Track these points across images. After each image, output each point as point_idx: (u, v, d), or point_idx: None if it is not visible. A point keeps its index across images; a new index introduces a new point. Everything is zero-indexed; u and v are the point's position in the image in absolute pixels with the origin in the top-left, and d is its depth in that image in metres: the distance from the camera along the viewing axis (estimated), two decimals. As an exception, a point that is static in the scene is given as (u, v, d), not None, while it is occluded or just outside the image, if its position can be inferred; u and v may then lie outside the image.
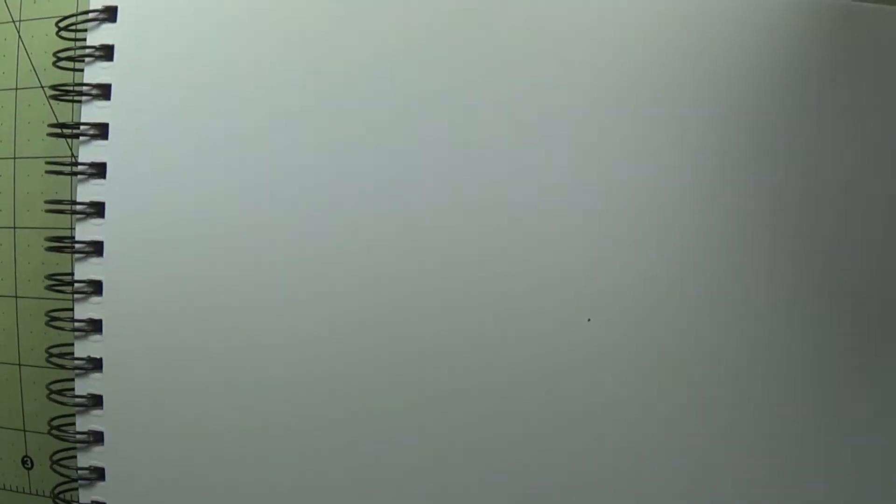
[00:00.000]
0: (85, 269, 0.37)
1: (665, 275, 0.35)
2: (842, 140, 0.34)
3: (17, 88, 0.40)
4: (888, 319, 0.34)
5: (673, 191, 0.34)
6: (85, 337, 0.37)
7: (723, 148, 0.34)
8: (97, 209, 0.37)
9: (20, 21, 0.40)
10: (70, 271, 0.38)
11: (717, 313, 0.35)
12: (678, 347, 0.35)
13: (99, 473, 0.38)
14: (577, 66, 0.35)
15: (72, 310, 0.38)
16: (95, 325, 0.37)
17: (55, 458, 0.38)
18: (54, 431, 0.38)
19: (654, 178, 0.34)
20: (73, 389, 0.38)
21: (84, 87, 0.37)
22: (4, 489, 0.42)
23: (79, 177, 0.37)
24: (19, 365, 0.41)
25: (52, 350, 0.38)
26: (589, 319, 0.34)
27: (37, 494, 0.42)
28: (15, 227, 0.41)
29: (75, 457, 0.38)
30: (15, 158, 0.40)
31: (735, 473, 0.35)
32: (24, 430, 0.42)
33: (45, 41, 0.39)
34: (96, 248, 0.37)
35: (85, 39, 0.37)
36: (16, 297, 0.41)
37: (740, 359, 0.35)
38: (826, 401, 0.35)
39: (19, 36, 0.40)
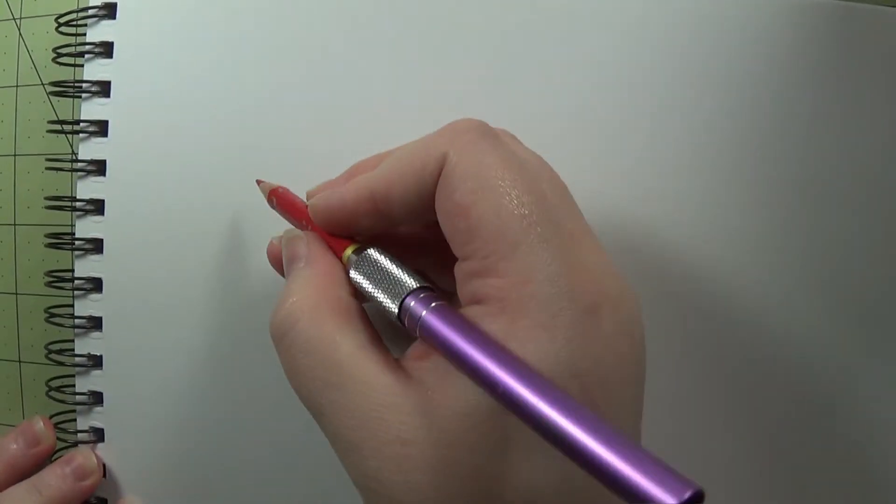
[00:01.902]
0: (85, 266, 0.37)
1: (667, 273, 0.35)
2: (843, 139, 0.34)
3: (17, 86, 0.40)
4: (890, 315, 0.34)
5: (675, 188, 0.34)
6: (85, 334, 0.37)
7: (725, 148, 0.34)
8: (97, 206, 0.37)
9: (20, 18, 0.40)
10: (70, 268, 0.38)
11: (719, 312, 0.35)
12: (678, 346, 0.35)
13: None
14: (581, 69, 0.35)
15: (72, 306, 0.38)
16: (96, 322, 0.37)
17: (56, 455, 0.38)
18: (57, 430, 0.38)
19: (657, 176, 0.34)
20: (73, 386, 0.38)
21: (84, 84, 0.37)
22: (6, 486, 0.42)
23: (79, 173, 0.37)
24: (19, 362, 0.41)
25: (51, 346, 0.38)
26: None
27: (38, 492, 0.42)
28: (15, 224, 0.40)
29: (76, 454, 0.38)
30: (15, 156, 0.40)
31: (733, 472, 0.35)
32: (25, 428, 0.41)
33: (46, 39, 0.39)
34: (96, 245, 0.37)
35: (85, 36, 0.37)
36: (16, 294, 0.41)
37: (741, 358, 0.35)
38: (828, 398, 0.35)
39: (20, 33, 0.40)
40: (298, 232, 0.29)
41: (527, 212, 0.23)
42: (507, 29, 0.35)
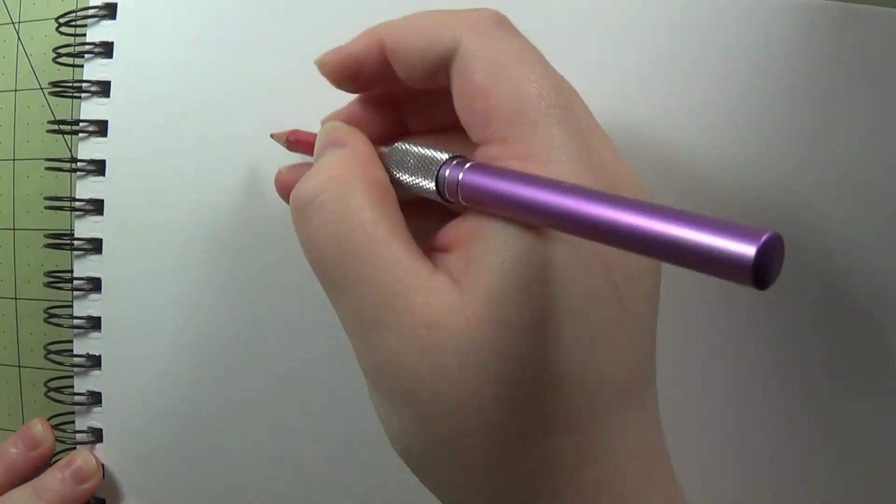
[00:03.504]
0: (84, 266, 0.37)
1: (665, 272, 0.35)
2: (842, 140, 0.34)
3: (16, 90, 0.40)
4: (886, 317, 0.34)
5: (669, 188, 0.34)
6: (84, 334, 0.37)
7: (725, 148, 0.34)
8: (96, 206, 0.37)
9: (19, 22, 0.40)
10: (69, 270, 0.38)
11: (717, 311, 0.35)
12: (676, 345, 0.35)
13: (99, 471, 0.38)
14: (579, 69, 0.35)
15: (71, 306, 0.38)
16: (95, 323, 0.37)
17: (56, 457, 0.38)
18: (56, 430, 0.38)
19: (656, 175, 0.34)
20: (72, 387, 0.38)
21: (84, 84, 0.37)
22: (5, 490, 0.42)
23: (78, 173, 0.37)
24: (19, 367, 0.41)
25: (50, 347, 0.38)
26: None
27: (36, 494, 0.41)
28: (14, 229, 0.40)
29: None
30: (14, 160, 0.40)
31: (730, 471, 0.35)
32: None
33: (45, 42, 0.39)
34: (95, 245, 0.37)
35: (85, 36, 0.37)
36: (15, 298, 0.41)
37: (741, 357, 0.35)
38: (824, 399, 0.35)
39: (18, 38, 0.40)
40: (340, 123, 0.29)
41: (546, 94, 0.23)
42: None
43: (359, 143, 0.27)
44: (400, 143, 0.26)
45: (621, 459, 0.24)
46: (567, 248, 0.22)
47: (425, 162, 0.25)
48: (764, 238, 0.17)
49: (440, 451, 0.23)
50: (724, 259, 0.17)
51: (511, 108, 0.23)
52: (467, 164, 0.23)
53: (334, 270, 0.24)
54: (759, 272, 0.17)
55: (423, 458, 0.24)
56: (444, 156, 0.24)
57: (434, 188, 0.24)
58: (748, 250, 0.17)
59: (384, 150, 0.27)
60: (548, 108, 0.23)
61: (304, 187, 0.25)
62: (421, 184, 0.25)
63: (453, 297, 0.22)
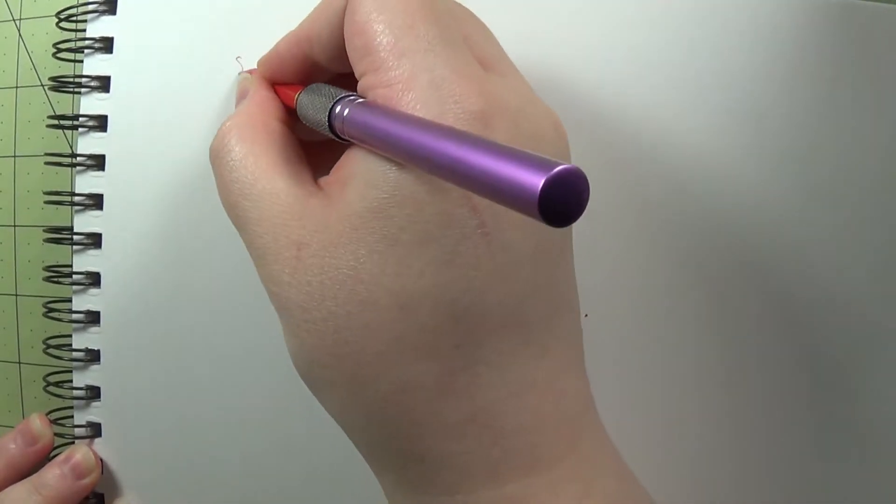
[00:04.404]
0: (83, 261, 0.37)
1: (661, 272, 0.35)
2: (842, 138, 0.34)
3: (17, 87, 0.41)
4: (884, 317, 0.34)
5: (669, 188, 0.34)
6: (83, 329, 0.37)
7: (724, 146, 0.34)
8: (96, 201, 0.37)
9: (20, 19, 0.40)
10: (69, 264, 0.38)
11: (714, 310, 0.35)
12: (673, 345, 0.35)
13: (97, 466, 0.38)
14: (578, 66, 0.35)
15: (70, 301, 0.38)
16: (94, 317, 0.37)
17: (55, 452, 0.38)
18: (54, 425, 0.38)
19: (651, 173, 0.34)
20: (71, 382, 0.38)
21: (83, 79, 0.37)
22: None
23: (78, 168, 0.37)
24: (19, 363, 0.41)
25: (49, 342, 0.38)
26: (586, 315, 0.34)
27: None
28: (15, 226, 0.41)
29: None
30: (15, 157, 0.40)
31: (730, 469, 0.35)
32: (24, 427, 0.41)
33: (46, 39, 0.39)
34: (95, 240, 0.37)
35: (85, 31, 0.37)
36: (16, 295, 0.41)
37: (737, 356, 0.35)
38: (820, 397, 0.35)
39: (19, 34, 0.40)
40: (247, 75, 0.32)
41: (421, 26, 0.24)
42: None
43: (257, 93, 0.30)
44: (313, 84, 0.28)
45: (499, 395, 0.24)
46: (419, 174, 0.23)
47: (326, 98, 0.26)
48: (556, 170, 0.16)
49: (314, 367, 0.25)
50: (513, 190, 0.16)
51: (383, 40, 0.24)
52: (354, 103, 0.24)
53: (234, 211, 0.27)
54: (548, 206, 0.16)
55: (306, 375, 0.26)
56: (339, 94, 0.25)
57: (327, 123, 0.25)
58: (535, 181, 0.16)
59: (301, 95, 0.28)
60: (418, 38, 0.24)
61: (212, 143, 0.28)
62: (319, 117, 0.26)
63: (321, 219, 0.24)
